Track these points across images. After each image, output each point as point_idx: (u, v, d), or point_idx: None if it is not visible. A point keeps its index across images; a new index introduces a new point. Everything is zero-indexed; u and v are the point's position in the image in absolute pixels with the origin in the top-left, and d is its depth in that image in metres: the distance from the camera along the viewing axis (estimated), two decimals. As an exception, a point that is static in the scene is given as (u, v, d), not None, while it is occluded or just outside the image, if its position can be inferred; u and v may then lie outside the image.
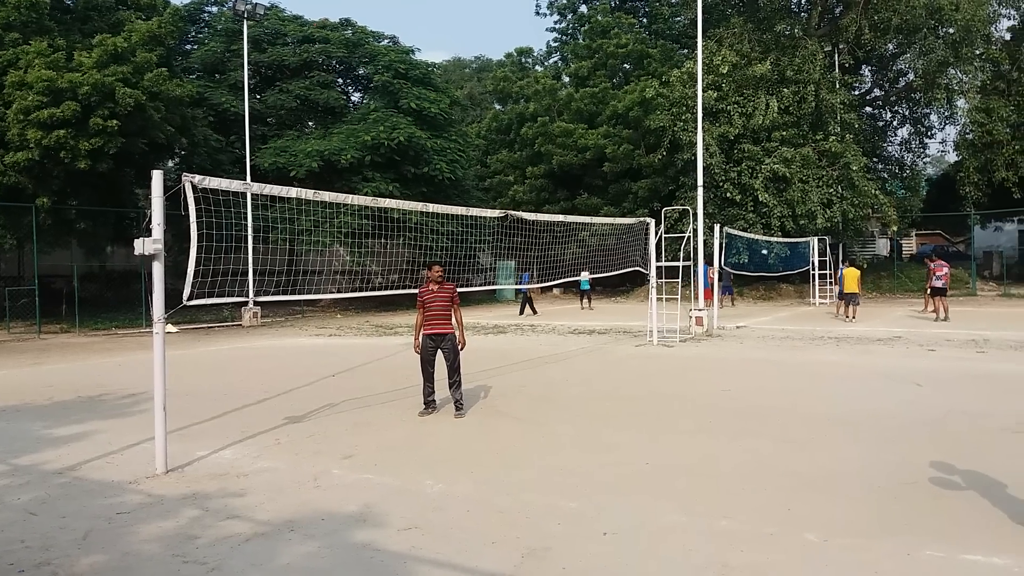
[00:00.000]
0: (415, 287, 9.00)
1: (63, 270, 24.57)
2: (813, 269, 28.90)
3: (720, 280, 23.01)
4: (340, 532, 4.96)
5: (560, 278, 17.08)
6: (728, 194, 29.82)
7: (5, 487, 6.06)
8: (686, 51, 38.26)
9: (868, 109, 37.16)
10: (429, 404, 8.79)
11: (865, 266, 22.33)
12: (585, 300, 28.15)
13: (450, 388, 8.76)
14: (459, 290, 9.08)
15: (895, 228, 33.76)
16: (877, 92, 37.29)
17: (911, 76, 33.04)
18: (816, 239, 29.10)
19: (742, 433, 7.62)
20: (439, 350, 8.71)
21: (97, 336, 20.12)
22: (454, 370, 8.71)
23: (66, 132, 19.41)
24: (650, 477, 6.16)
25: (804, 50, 29.82)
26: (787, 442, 7.24)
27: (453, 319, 8.75)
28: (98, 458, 6.92)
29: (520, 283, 23.17)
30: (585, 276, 23.93)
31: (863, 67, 36.66)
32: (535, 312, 26.13)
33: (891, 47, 33.29)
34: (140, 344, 17.38)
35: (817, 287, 28.57)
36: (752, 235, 27.75)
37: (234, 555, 4.58)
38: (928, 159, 37.91)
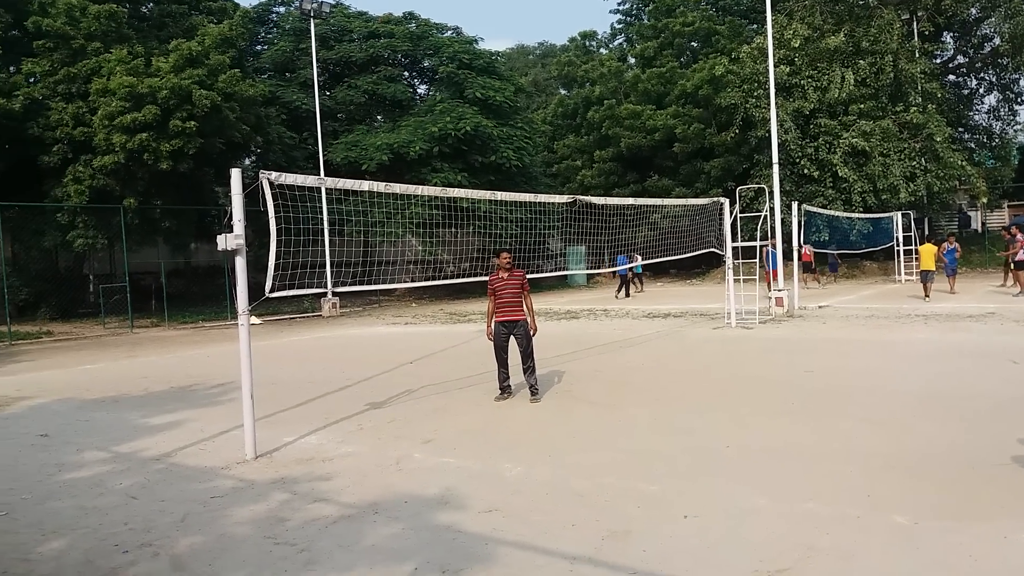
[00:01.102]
0: (486, 274, 9.07)
1: (151, 267, 25.66)
2: (898, 245, 27.86)
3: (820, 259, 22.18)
4: (423, 514, 5.07)
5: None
6: (805, 170, 28.96)
7: (107, 473, 6.40)
8: (755, 26, 37.24)
9: (952, 77, 35.45)
10: (504, 389, 8.86)
11: (953, 239, 21.35)
12: (636, 282, 27.95)
13: (524, 374, 8.81)
14: (529, 276, 9.10)
15: (985, 200, 32.23)
16: (961, 59, 35.49)
17: (997, 41, 31.32)
18: (900, 214, 28.02)
19: (825, 414, 7.43)
20: (511, 336, 8.76)
21: (186, 329, 20.97)
22: (528, 356, 8.75)
23: (148, 135, 20.24)
24: (731, 460, 6.07)
25: (880, 19, 28.62)
26: (873, 423, 7.03)
27: (524, 305, 8.79)
28: (191, 445, 7.23)
29: (616, 265, 22.95)
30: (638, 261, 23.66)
31: (944, 34, 34.90)
32: (628, 295, 25.95)
33: (974, 11, 31.61)
34: (226, 336, 18.03)
35: (902, 264, 27.54)
36: (832, 212, 26.92)
37: (322, 537, 4.74)
38: (1019, 127, 35.79)
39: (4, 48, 21.67)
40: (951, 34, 35.39)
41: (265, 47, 33.93)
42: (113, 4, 22.85)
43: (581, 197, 12.24)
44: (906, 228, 27.91)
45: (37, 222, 22.36)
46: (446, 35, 34.27)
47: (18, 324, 20.95)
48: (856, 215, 27.71)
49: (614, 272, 27.69)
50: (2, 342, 18.31)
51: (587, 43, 46.54)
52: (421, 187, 9.83)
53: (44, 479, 6.28)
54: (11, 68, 22.94)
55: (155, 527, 5.03)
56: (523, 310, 8.78)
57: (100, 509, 5.42)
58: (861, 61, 28.70)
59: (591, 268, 24.71)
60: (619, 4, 45.14)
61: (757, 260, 17.29)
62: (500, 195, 10.65)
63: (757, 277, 17.14)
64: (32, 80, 22.31)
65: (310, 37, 27.54)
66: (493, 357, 8.88)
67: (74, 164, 21.47)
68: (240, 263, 6.67)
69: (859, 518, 4.67)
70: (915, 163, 28.45)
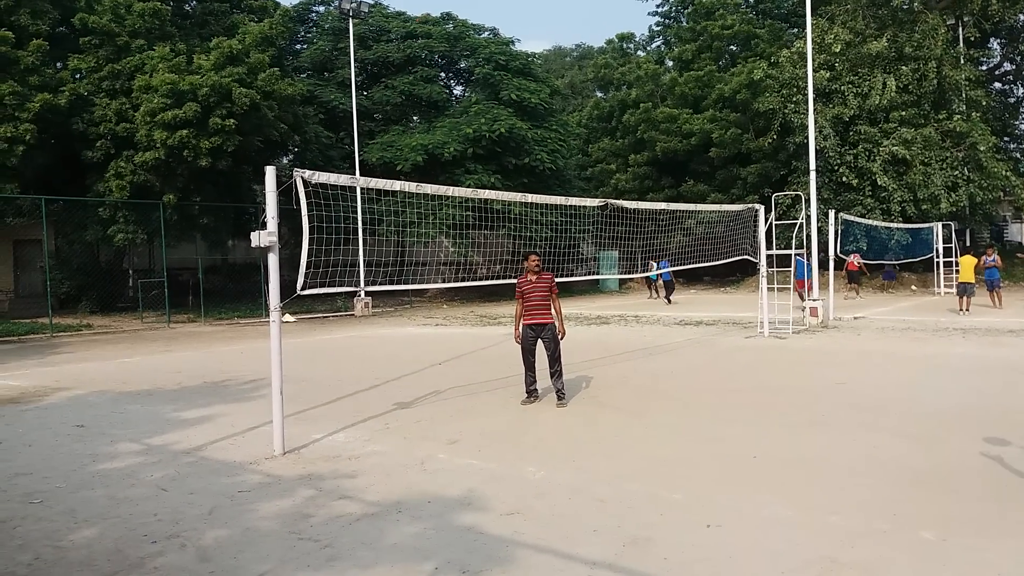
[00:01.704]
0: (517, 277, 9.08)
1: (189, 263, 26.12)
2: (937, 256, 27.32)
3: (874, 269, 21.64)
4: (445, 515, 5.09)
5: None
6: (844, 178, 28.56)
7: (140, 465, 6.53)
8: (796, 30, 36.83)
9: (997, 85, 34.76)
10: (531, 393, 8.86)
11: (992, 251, 20.83)
12: (654, 292, 27.72)
13: (552, 378, 8.80)
14: (560, 280, 9.09)
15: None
16: (1008, 66, 34.77)
17: (1047, 48, 30.67)
18: (940, 224, 27.48)
19: (856, 427, 7.32)
20: (539, 340, 8.76)
21: (221, 325, 21.31)
22: (555, 360, 8.73)
23: (188, 132, 20.60)
24: (757, 470, 6.01)
25: (924, 25, 28.11)
26: (905, 437, 6.91)
27: (552, 309, 8.78)
28: (222, 439, 7.35)
29: (661, 268, 22.66)
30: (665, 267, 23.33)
31: (991, 40, 34.20)
32: (669, 301, 25.82)
33: (1023, 17, 30.94)
34: (260, 333, 18.29)
35: (942, 275, 26.99)
36: (871, 221, 26.49)
37: (345, 533, 4.79)
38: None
39: (51, 44, 22.20)
40: (998, 40, 34.67)
41: (304, 46, 34.35)
42: (157, 2, 23.34)
43: (613, 201, 12.19)
44: (946, 239, 27.37)
45: (79, 216, 22.89)
46: (483, 36, 34.39)
47: (59, 316, 21.46)
48: (895, 225, 27.24)
49: (654, 277, 27.33)
50: (44, 334, 18.76)
51: (624, 45, 46.38)
52: (453, 188, 9.89)
53: (78, 469, 6.42)
54: (58, 64, 23.49)
55: (183, 519, 5.12)
56: (551, 313, 8.77)
57: (131, 499, 5.54)
58: (903, 67, 28.22)
59: (623, 273, 24.60)
60: (658, 6, 45.01)
61: (792, 269, 17.09)
62: (531, 197, 10.68)
63: (791, 286, 16.93)
64: (77, 76, 22.84)
65: (348, 37, 27.81)
66: (521, 361, 8.89)
67: (116, 159, 21.94)
68: (273, 260, 6.76)
69: (885, 532, 4.60)
70: (957, 172, 27.89)
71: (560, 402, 8.68)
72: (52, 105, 20.75)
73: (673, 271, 24.30)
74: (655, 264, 22.77)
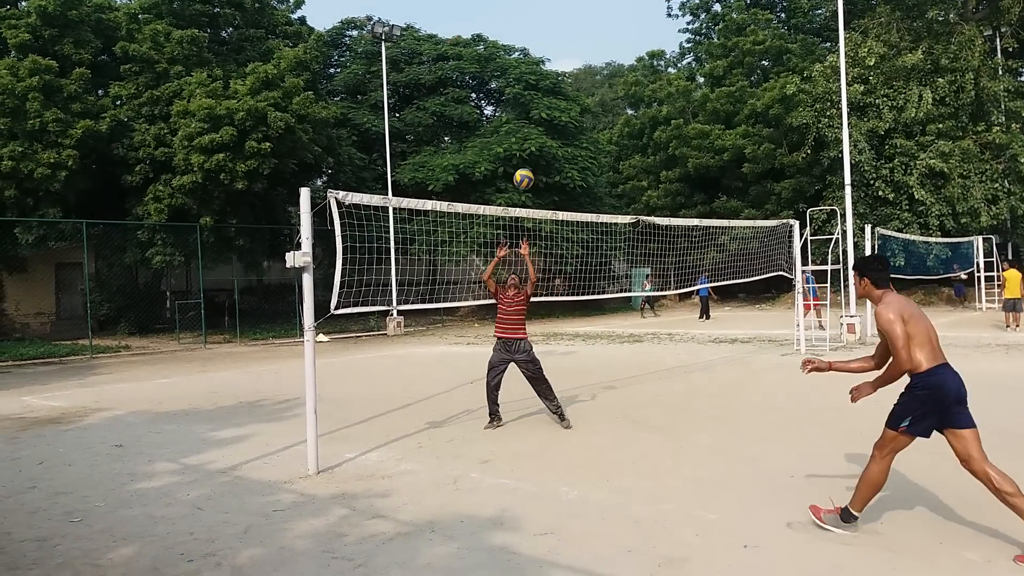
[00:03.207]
0: (547, 295, 9.06)
1: (225, 284, 26.51)
2: (978, 271, 26.75)
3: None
4: (478, 534, 5.07)
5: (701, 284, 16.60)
6: (880, 192, 28.13)
7: (176, 484, 6.60)
8: (828, 44, 36.52)
9: (1038, 95, 34.01)
10: (494, 415, 8.60)
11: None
12: (647, 306, 27.67)
13: (544, 401, 8.62)
14: (592, 298, 9.04)
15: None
16: (1048, 76, 34.07)
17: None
18: (981, 239, 26.93)
19: (896, 445, 7.14)
20: (511, 363, 8.52)
21: (256, 346, 21.55)
22: (538, 381, 8.51)
23: (225, 155, 20.97)
24: (794, 489, 5.90)
25: (960, 36, 27.70)
26: (947, 456, 6.70)
27: (525, 325, 8.62)
28: (257, 459, 7.41)
29: (701, 283, 22.44)
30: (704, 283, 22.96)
31: (1030, 50, 33.60)
32: (705, 317, 25.61)
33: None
34: (294, 353, 18.46)
35: (983, 291, 26.41)
36: (908, 236, 26.05)
37: (379, 553, 4.78)
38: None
39: (93, 72, 22.82)
40: (1037, 51, 34.03)
41: (338, 70, 34.86)
42: (195, 29, 23.90)
43: (644, 217, 12.14)
44: (987, 253, 26.80)
45: (119, 239, 23.37)
46: (513, 56, 34.60)
47: (99, 338, 21.88)
48: (934, 239, 26.75)
49: (696, 292, 27.08)
50: (84, 355, 19.13)
51: (655, 63, 46.33)
52: (484, 207, 9.92)
53: (117, 488, 6.51)
54: (99, 91, 24.12)
55: (219, 538, 5.16)
56: (524, 331, 8.58)
57: (168, 518, 5.60)
58: (940, 79, 27.81)
59: (656, 290, 24.44)
60: (688, 24, 44.92)
61: (828, 284, 16.83)
62: (561, 215, 10.67)
63: (828, 302, 16.68)
64: (118, 103, 23.43)
65: (381, 60, 28.18)
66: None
67: (155, 183, 22.39)
68: (307, 280, 6.83)
69: (928, 554, 4.48)
70: (997, 185, 27.34)
71: (563, 422, 8.48)
72: (94, 131, 21.29)
73: (711, 286, 24.08)
74: (647, 284, 22.72)
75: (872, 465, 4.85)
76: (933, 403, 4.64)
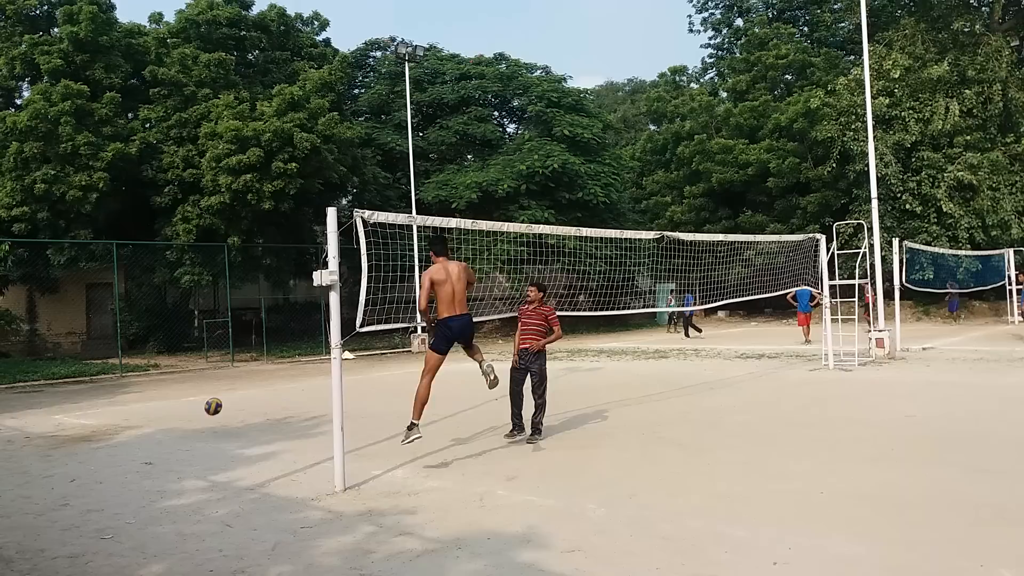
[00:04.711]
0: (572, 310, 9.08)
1: (252, 303, 26.74)
2: (1010, 284, 26.32)
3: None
4: (505, 551, 5.04)
5: (726, 299, 16.48)
6: (907, 205, 27.85)
7: (205, 501, 6.65)
8: (852, 57, 36.33)
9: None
10: (516, 426, 8.81)
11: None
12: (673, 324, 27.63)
13: (535, 406, 8.74)
14: (616, 313, 9.07)
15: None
16: (1078, 85, 33.57)
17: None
18: (1012, 251, 26.51)
19: (927, 461, 7.04)
20: (528, 372, 8.78)
21: (283, 364, 21.70)
22: (538, 385, 8.71)
23: (252, 176, 21.26)
24: (824, 506, 5.81)
25: (987, 47, 27.46)
26: (979, 471, 6.61)
27: (543, 335, 8.84)
28: (284, 476, 7.44)
29: (685, 305, 22.72)
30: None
31: (1059, 60, 33.18)
32: (699, 331, 25.55)
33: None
34: (321, 371, 18.55)
35: (1015, 304, 25.97)
36: (937, 249, 25.71)
37: (406, 570, 4.77)
38: None
39: (123, 96, 23.29)
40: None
41: (362, 90, 35.25)
42: (222, 52, 24.32)
43: (668, 233, 12.10)
44: (1019, 266, 26.37)
45: (148, 260, 23.73)
46: (535, 74, 34.80)
47: (128, 357, 22.14)
48: (963, 252, 26.37)
49: (678, 313, 27.35)
50: (114, 374, 19.38)
51: (677, 78, 46.33)
52: (507, 224, 9.97)
53: (147, 505, 6.57)
54: (129, 115, 24.59)
55: (247, 555, 5.18)
56: (541, 339, 8.81)
57: (197, 535, 5.63)
58: (967, 91, 27.54)
59: (680, 306, 24.35)
60: (710, 39, 44.98)
61: (856, 298, 16.63)
62: (584, 231, 10.69)
63: (856, 317, 16.48)
64: (147, 126, 23.87)
65: (405, 80, 28.46)
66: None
67: (183, 204, 22.73)
68: (334, 298, 6.89)
69: (963, 571, 4.39)
70: (1028, 196, 26.97)
71: (531, 437, 8.56)
72: (124, 154, 21.69)
73: (701, 308, 24.33)
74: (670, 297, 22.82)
75: None
76: None
